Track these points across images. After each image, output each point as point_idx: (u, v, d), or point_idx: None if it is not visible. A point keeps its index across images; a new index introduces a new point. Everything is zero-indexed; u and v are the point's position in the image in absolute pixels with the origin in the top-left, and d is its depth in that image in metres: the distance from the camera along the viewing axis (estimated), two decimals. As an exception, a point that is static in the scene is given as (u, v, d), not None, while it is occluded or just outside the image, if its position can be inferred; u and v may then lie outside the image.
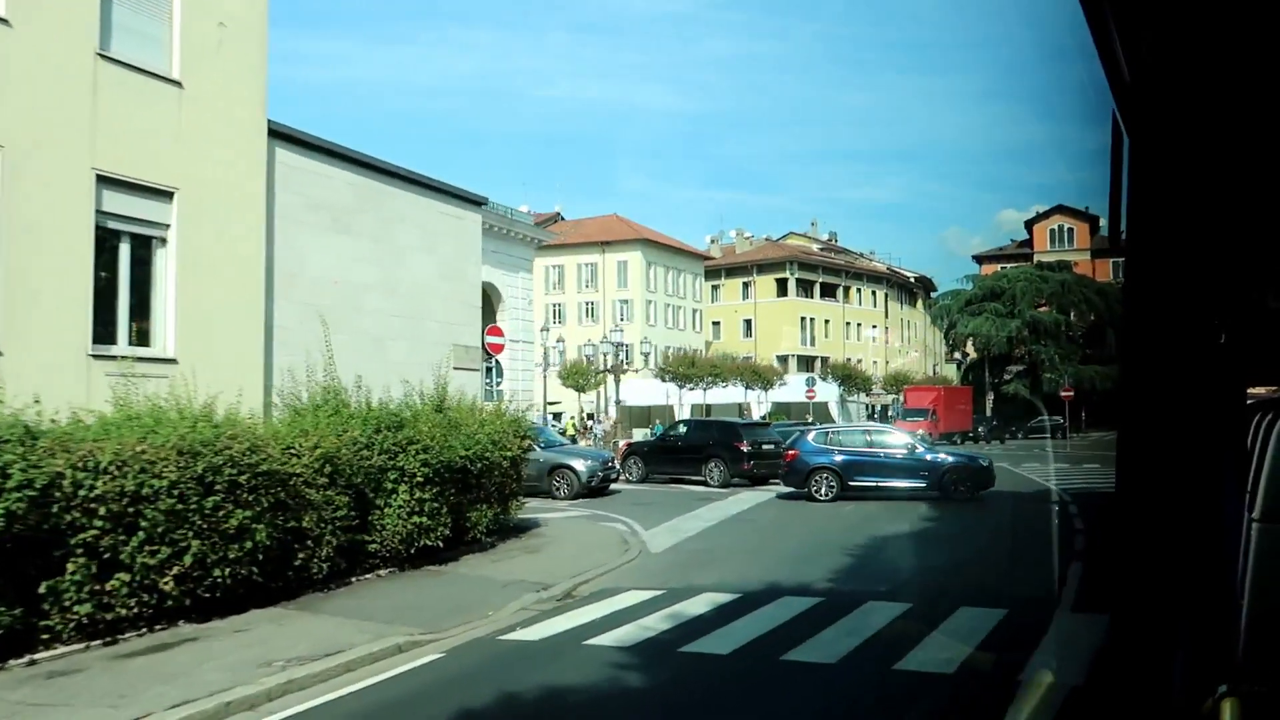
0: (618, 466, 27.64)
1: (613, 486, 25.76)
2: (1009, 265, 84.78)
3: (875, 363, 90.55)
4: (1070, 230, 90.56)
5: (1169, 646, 2.02)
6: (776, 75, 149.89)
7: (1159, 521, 2.01)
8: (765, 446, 27.67)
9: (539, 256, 77.47)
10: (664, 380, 53.58)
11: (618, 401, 44.41)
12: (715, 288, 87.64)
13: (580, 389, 43.50)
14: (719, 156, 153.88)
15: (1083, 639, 5.73)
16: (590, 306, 74.12)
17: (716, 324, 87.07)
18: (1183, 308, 1.96)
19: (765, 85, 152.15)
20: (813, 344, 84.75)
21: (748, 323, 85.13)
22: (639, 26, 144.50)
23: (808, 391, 50.61)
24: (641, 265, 72.80)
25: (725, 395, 55.33)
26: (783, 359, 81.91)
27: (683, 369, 52.01)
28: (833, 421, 57.15)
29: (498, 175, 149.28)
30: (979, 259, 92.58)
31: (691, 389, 52.45)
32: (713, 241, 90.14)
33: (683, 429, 30.93)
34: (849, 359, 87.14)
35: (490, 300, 36.30)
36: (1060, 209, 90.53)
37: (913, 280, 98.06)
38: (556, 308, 74.47)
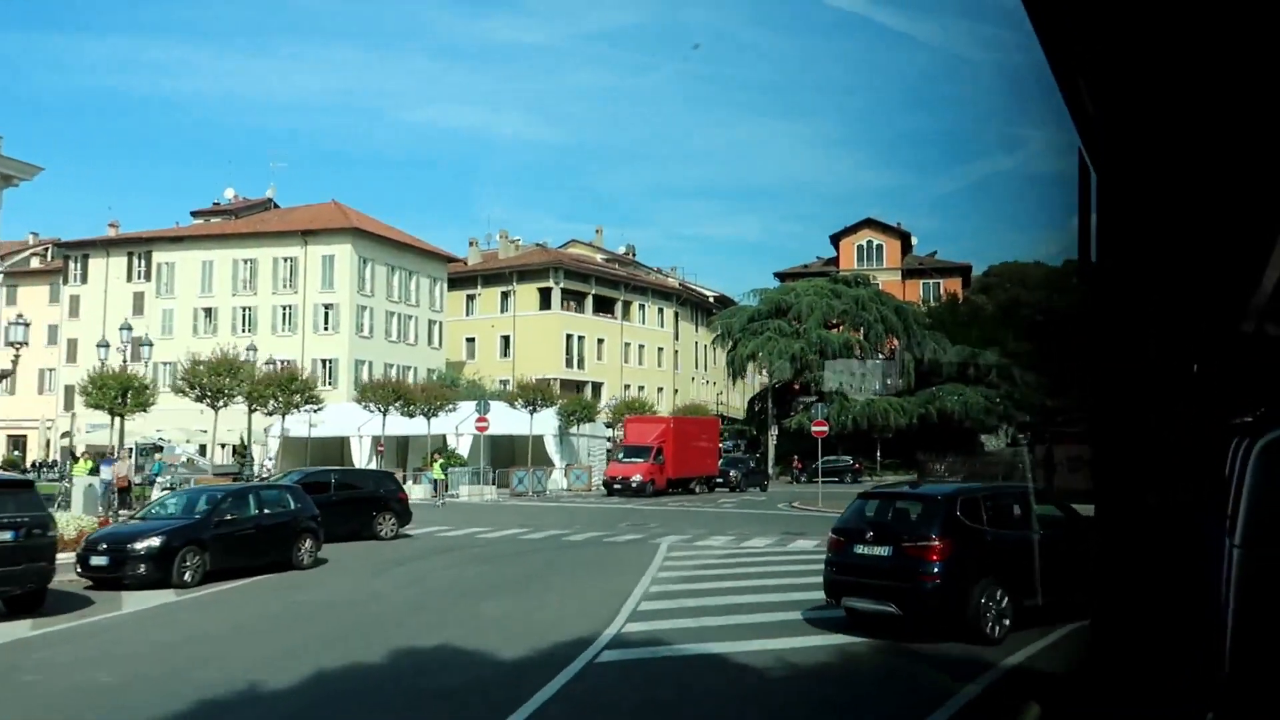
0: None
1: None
2: (811, 283, 74.02)
3: (660, 390, 78.48)
4: (879, 246, 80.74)
5: (1149, 667, 2.06)
6: (640, 109, 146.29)
7: (1138, 544, 2.06)
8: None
9: (225, 249, 65.02)
10: (367, 408, 39.44)
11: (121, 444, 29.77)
12: (471, 298, 73.93)
13: (113, 411, 28.81)
14: (580, 188, 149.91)
15: None
16: (288, 312, 59.20)
17: (471, 340, 73.29)
18: (1157, 337, 2.00)
19: (628, 119, 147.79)
20: (581, 366, 71.80)
21: (506, 340, 71.61)
22: (502, 55, 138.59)
23: (478, 421, 37.15)
24: (352, 262, 58.40)
25: (439, 424, 41.48)
26: (544, 382, 68.62)
27: (379, 396, 38.04)
28: (549, 460, 43.83)
29: (357, 194, 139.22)
30: (781, 276, 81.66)
31: (410, 416, 38.49)
32: (473, 245, 76.39)
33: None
34: (627, 385, 74.95)
35: None
36: (869, 223, 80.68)
37: (711, 299, 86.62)
38: (247, 312, 59.33)
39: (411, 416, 37.56)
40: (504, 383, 70.11)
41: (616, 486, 37.74)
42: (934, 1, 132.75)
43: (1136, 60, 1.83)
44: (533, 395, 39.81)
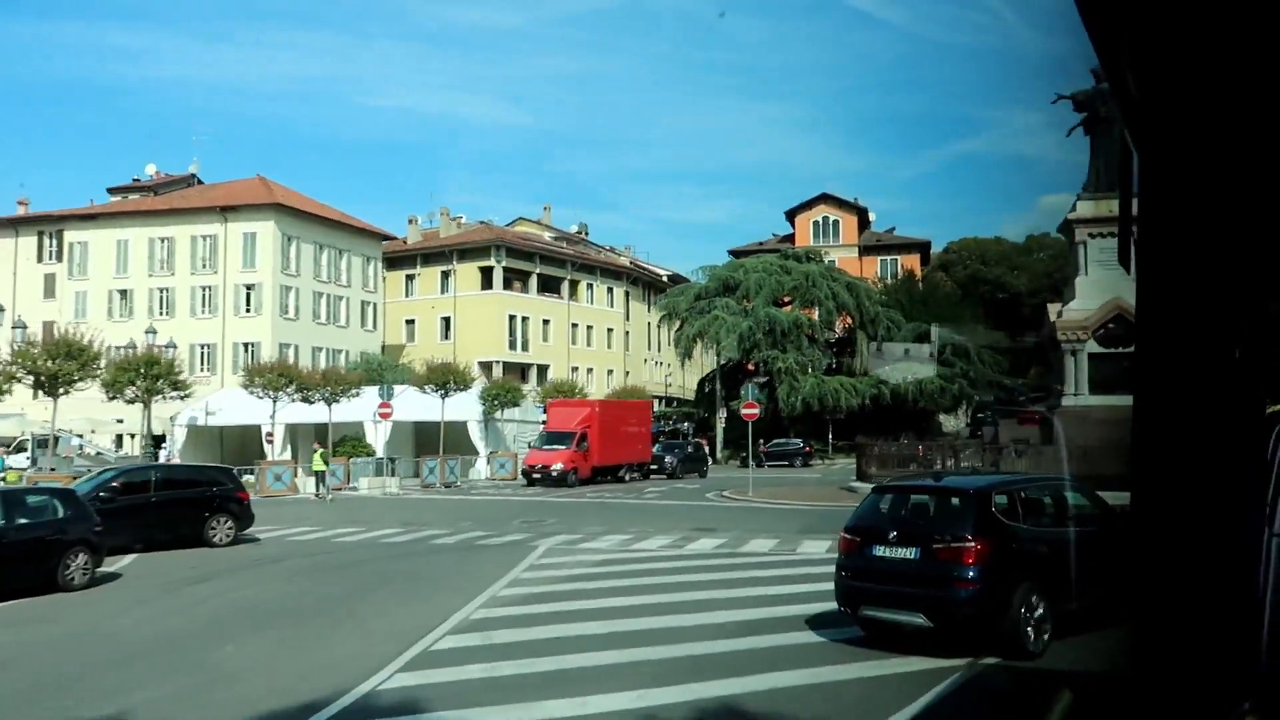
0: None
1: None
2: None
3: (610, 372, 75.83)
4: (836, 222, 78.29)
5: (1190, 658, 2.06)
6: (609, 93, 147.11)
7: (1177, 535, 2.05)
8: None
9: (141, 227, 61.11)
10: (257, 393, 36.26)
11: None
12: (410, 278, 70.87)
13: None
14: (553, 173, 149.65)
15: None
16: (207, 293, 55.90)
17: (411, 323, 70.23)
18: (1198, 322, 1.99)
19: (601, 103, 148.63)
20: (526, 348, 68.96)
21: (447, 321, 68.59)
22: (472, 39, 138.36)
23: (380, 408, 34.26)
24: (275, 240, 55.14)
25: (351, 410, 38.53)
26: (486, 365, 65.85)
27: (270, 379, 34.88)
28: (474, 449, 41.07)
29: (322, 180, 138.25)
30: (735, 253, 78.98)
31: (310, 402, 35.45)
32: (412, 223, 73.17)
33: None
34: (575, 367, 72.23)
35: None
36: (825, 198, 78.18)
37: (665, 278, 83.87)
38: (164, 294, 56.00)
39: (311, 403, 34.56)
40: (446, 363, 67.32)
41: (536, 476, 35.00)
42: None
43: (1183, 42, 1.81)
44: (442, 378, 36.82)
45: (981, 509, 9.36)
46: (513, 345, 68.13)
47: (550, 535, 19.96)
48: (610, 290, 76.77)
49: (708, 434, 63.22)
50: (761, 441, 52.94)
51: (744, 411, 30.97)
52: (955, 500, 9.84)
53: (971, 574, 8.96)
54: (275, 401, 33.88)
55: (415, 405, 38.86)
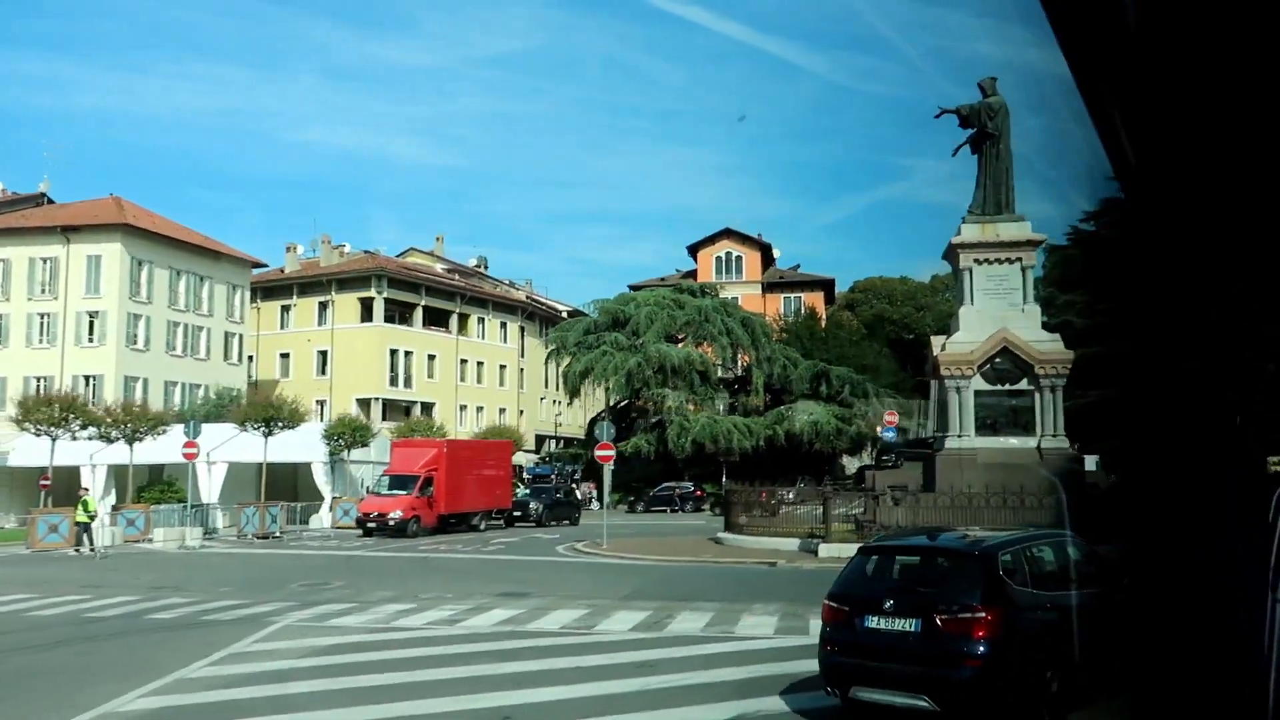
0: None
1: None
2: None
3: (503, 411, 72.02)
4: (739, 258, 75.94)
5: None
6: (532, 135, 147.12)
7: (1178, 602, 2.31)
8: None
9: None
10: (31, 430, 31.69)
11: None
12: (286, 309, 66.42)
13: None
14: (474, 213, 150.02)
15: None
16: (46, 321, 50.89)
17: (285, 356, 65.72)
18: (1197, 385, 2.61)
19: (523, 144, 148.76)
20: (409, 385, 64.87)
21: (324, 355, 64.23)
22: (395, 78, 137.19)
23: (185, 448, 30.05)
24: (123, 263, 50.48)
25: (156, 451, 34.25)
26: (364, 402, 61.62)
27: (40, 415, 30.40)
28: (320, 493, 36.93)
29: (236, 218, 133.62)
30: (635, 288, 76.09)
31: (109, 440, 31.16)
32: (290, 251, 68.77)
33: None
34: (463, 405, 68.37)
35: None
36: (728, 233, 75.84)
37: (566, 314, 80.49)
38: (-3, 321, 50.83)
39: (111, 441, 30.22)
40: (321, 403, 62.93)
41: (371, 525, 31.10)
42: (823, 33, 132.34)
43: (1170, 95, 1.82)
44: (265, 414, 32.78)
45: (988, 573, 8.17)
46: (394, 381, 64.03)
47: (315, 605, 16.27)
48: (504, 325, 73.20)
49: (596, 477, 59.94)
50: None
51: (597, 453, 27.64)
52: (957, 563, 8.74)
53: (981, 649, 7.75)
54: (54, 440, 29.49)
55: (250, 446, 34.70)
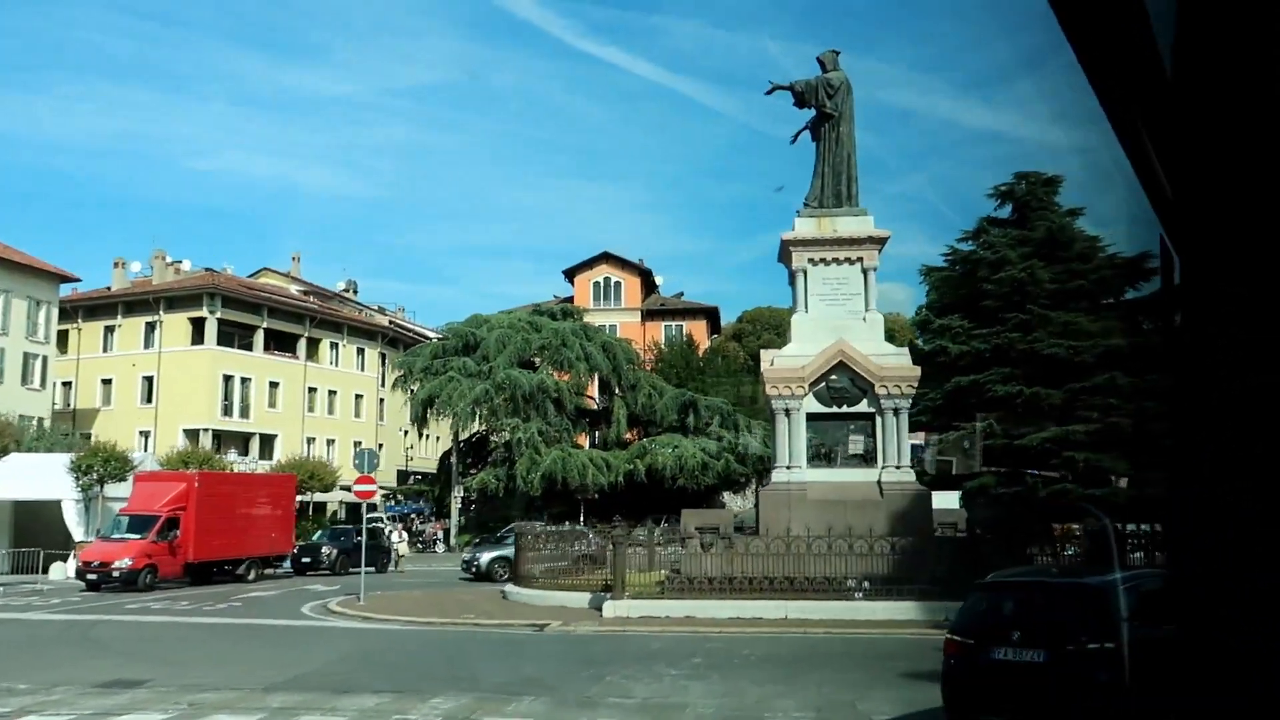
0: None
1: None
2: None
3: (359, 444, 66.18)
4: (618, 284, 71.79)
5: None
6: (448, 167, 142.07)
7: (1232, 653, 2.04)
8: None
9: None
10: None
11: None
12: (110, 330, 59.92)
13: None
14: (388, 245, 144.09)
15: None
16: None
17: (108, 382, 59.15)
18: (1244, 422, 1.95)
19: (440, 176, 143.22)
20: (246, 415, 58.84)
21: (150, 381, 57.87)
22: (309, 106, 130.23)
23: None
24: (-111, 271, 43.88)
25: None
26: (192, 433, 55.42)
27: None
28: (70, 534, 31.05)
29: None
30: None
31: None
32: (118, 266, 62.32)
33: None
34: (311, 438, 62.50)
35: None
36: (607, 257, 71.66)
37: (434, 340, 75.14)
38: None
39: None
40: (144, 434, 56.51)
41: (92, 577, 25.51)
42: (734, 75, 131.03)
43: (1206, 135, 1.88)
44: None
45: (1110, 606, 8.57)
46: (228, 410, 57.97)
47: None
48: (361, 351, 67.65)
49: (443, 515, 54.70)
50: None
51: (355, 488, 22.73)
52: (1080, 596, 9.17)
53: (1104, 678, 8.14)
54: None
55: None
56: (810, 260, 22.71)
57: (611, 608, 18.75)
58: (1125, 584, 9.01)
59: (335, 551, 32.18)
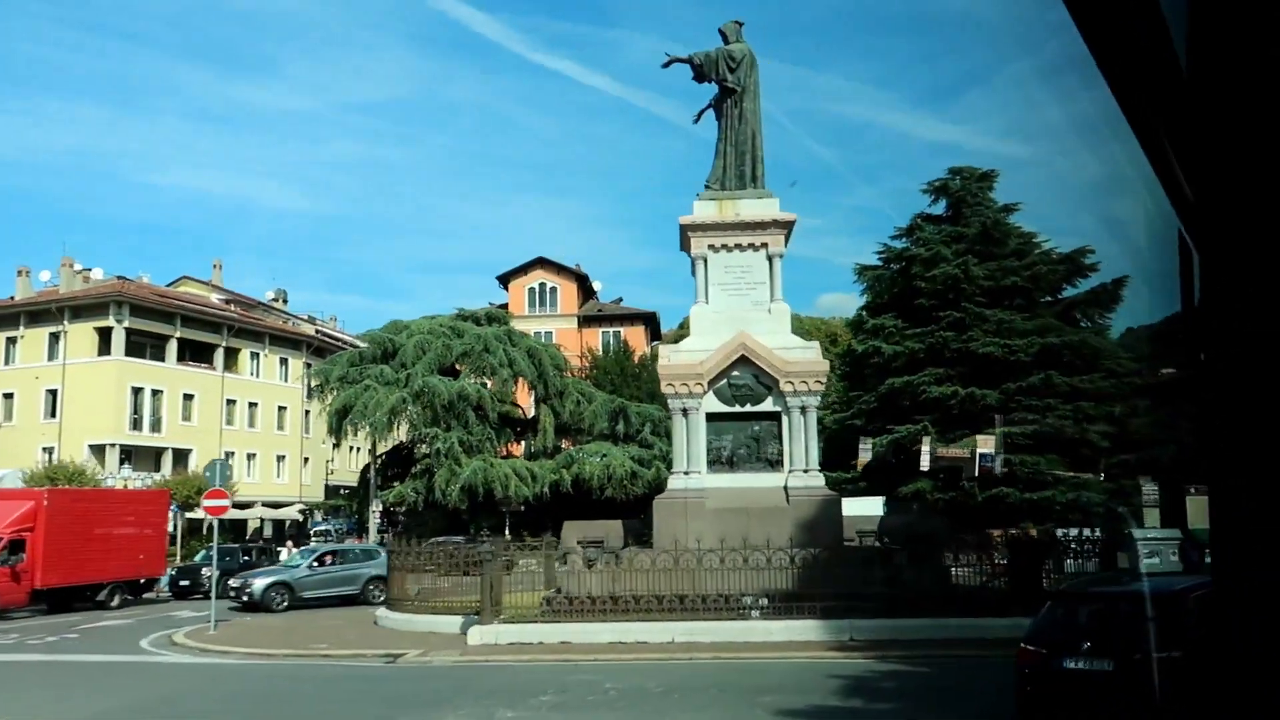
0: None
1: None
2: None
3: (282, 458, 63.55)
4: (554, 289, 69.58)
5: None
6: (404, 183, 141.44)
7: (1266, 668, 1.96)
8: None
9: None
10: None
11: None
12: (11, 342, 56.74)
13: None
14: (342, 260, 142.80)
15: None
16: None
17: (9, 397, 55.94)
18: (1267, 429, 1.94)
19: (392, 191, 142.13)
20: (157, 428, 55.89)
21: (54, 395, 54.75)
22: (263, 122, 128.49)
23: None
24: None
25: None
26: (99, 449, 52.45)
27: None
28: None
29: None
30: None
31: None
32: (22, 275, 59.15)
33: None
34: (230, 452, 59.47)
35: None
36: (542, 262, 69.48)
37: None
38: None
39: None
40: (48, 450, 53.39)
41: (-83, 607, 22.96)
42: (691, 90, 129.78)
43: (1225, 134, 1.88)
44: None
45: (1178, 615, 8.68)
46: (137, 424, 54.97)
47: None
48: (285, 361, 64.91)
49: (363, 532, 52.12)
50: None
51: (204, 504, 20.44)
52: (1148, 606, 9.12)
53: (1171, 686, 8.13)
54: None
55: None
56: (711, 246, 20.80)
57: (478, 634, 16.62)
58: (1193, 592, 8.98)
59: (217, 574, 29.59)
